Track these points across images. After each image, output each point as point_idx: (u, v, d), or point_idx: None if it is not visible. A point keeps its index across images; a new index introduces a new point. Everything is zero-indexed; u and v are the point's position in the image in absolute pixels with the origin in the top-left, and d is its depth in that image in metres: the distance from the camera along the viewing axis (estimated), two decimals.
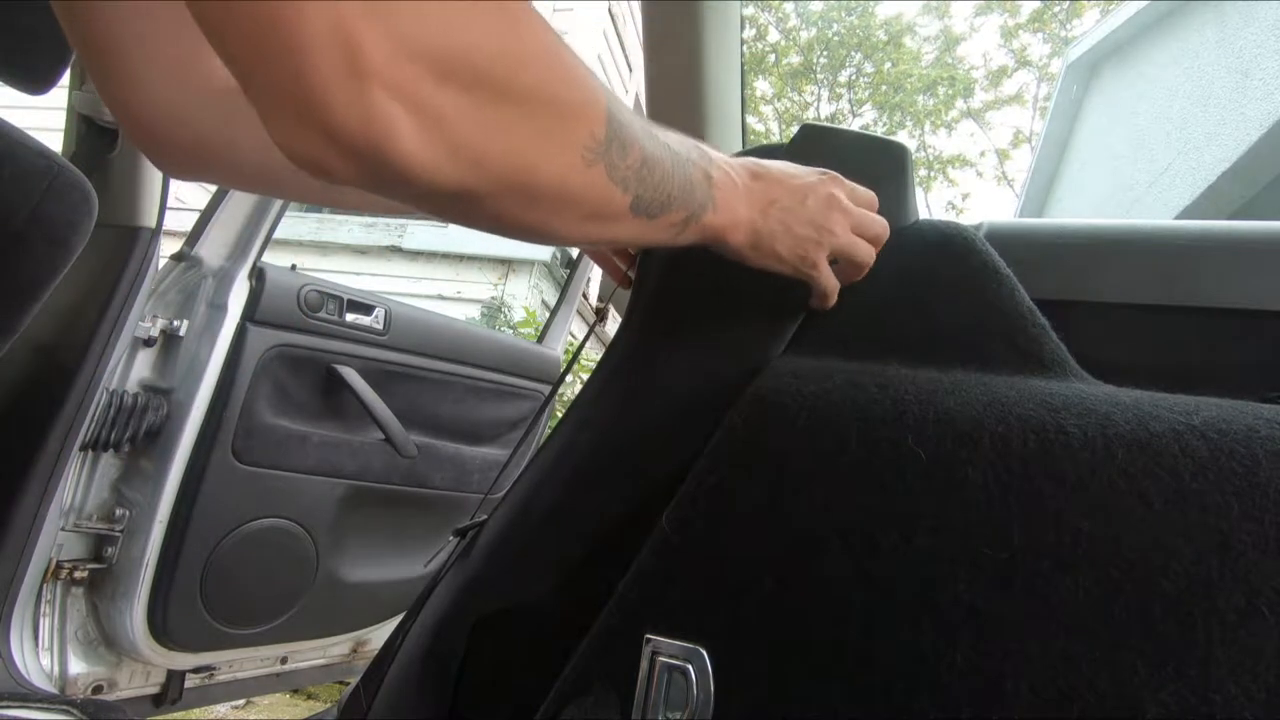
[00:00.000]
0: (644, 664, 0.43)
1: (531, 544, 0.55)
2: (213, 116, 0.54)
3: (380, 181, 0.30)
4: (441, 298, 4.48)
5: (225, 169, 0.60)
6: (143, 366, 1.18)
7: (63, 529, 1.09)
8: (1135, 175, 5.06)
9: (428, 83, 0.28)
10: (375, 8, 0.27)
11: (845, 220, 0.50)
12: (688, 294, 0.56)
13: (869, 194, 0.53)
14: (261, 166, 0.57)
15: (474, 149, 0.31)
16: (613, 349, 0.59)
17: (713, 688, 0.41)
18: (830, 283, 0.51)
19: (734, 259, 0.49)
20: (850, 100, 12.94)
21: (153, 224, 1.13)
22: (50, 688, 1.04)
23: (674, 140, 0.44)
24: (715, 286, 0.55)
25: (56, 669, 1.09)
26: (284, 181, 0.60)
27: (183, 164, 0.58)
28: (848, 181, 0.52)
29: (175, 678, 1.24)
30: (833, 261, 0.51)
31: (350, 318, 1.33)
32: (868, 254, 0.51)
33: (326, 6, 0.26)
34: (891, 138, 0.58)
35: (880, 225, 0.52)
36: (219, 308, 1.19)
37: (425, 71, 0.28)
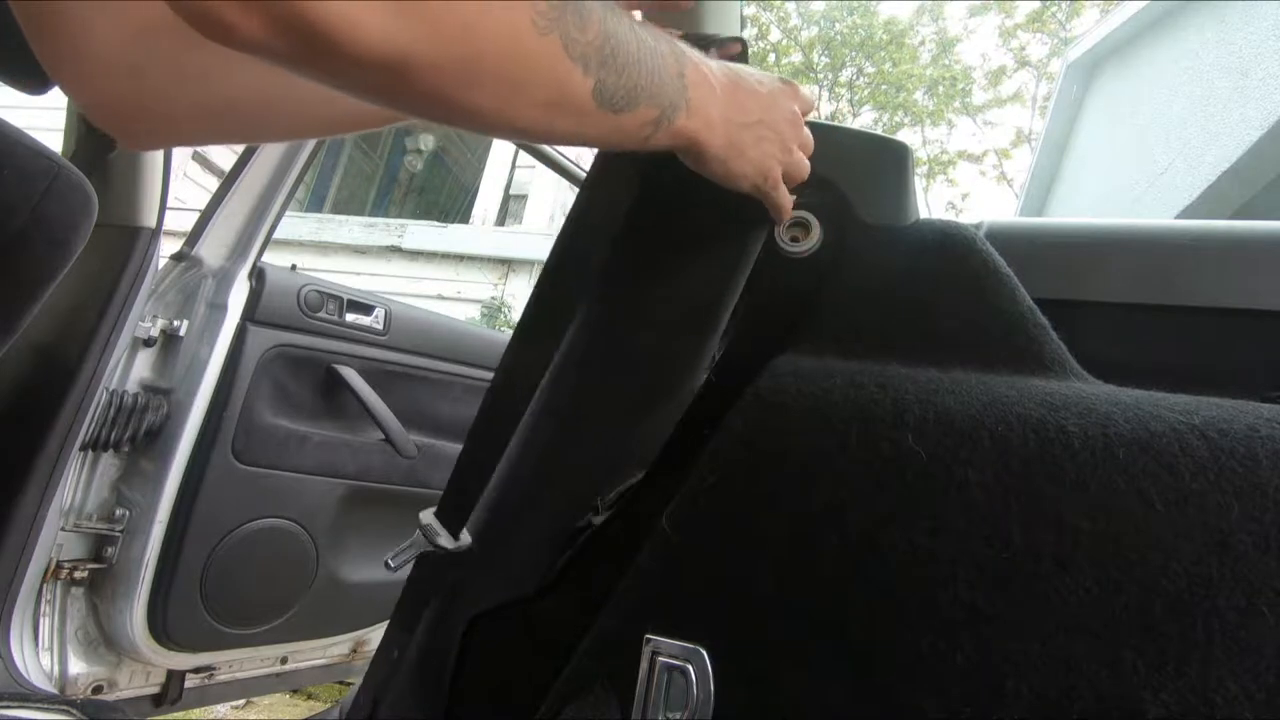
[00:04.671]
0: (644, 664, 0.43)
1: (508, 535, 0.55)
2: (160, 56, 0.49)
3: (293, 45, 0.26)
4: (441, 298, 4.48)
5: (187, 120, 0.54)
6: (143, 366, 1.18)
7: (63, 529, 1.09)
8: (1135, 175, 5.05)
9: None
10: None
11: (798, 136, 0.50)
12: (638, 266, 0.56)
13: (809, 100, 0.52)
14: (230, 102, 0.52)
15: (406, 9, 0.27)
16: (574, 329, 0.59)
17: (713, 688, 0.41)
18: (787, 200, 0.51)
19: (702, 172, 0.46)
20: (850, 100, 12.94)
21: (153, 224, 1.13)
22: (50, 688, 1.04)
23: (644, 26, 0.39)
24: (662, 263, 0.55)
25: (56, 669, 1.09)
26: (257, 117, 0.55)
27: (141, 124, 0.52)
28: (799, 90, 0.50)
29: (175, 678, 1.24)
30: None
31: (350, 318, 1.33)
32: (806, 169, 0.51)
33: None
34: (892, 136, 0.58)
35: (809, 136, 0.52)
36: (219, 308, 1.19)
37: None
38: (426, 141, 7.03)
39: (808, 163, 0.51)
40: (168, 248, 1.20)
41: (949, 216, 0.56)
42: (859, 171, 0.54)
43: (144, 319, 1.15)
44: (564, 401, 0.55)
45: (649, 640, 0.43)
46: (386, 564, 0.56)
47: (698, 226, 0.53)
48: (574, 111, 0.35)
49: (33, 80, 0.75)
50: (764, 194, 0.49)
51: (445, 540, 0.53)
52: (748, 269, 0.55)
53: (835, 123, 0.60)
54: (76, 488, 1.12)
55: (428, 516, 0.56)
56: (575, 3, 0.32)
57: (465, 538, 0.55)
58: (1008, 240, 0.53)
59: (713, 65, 0.45)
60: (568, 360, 0.57)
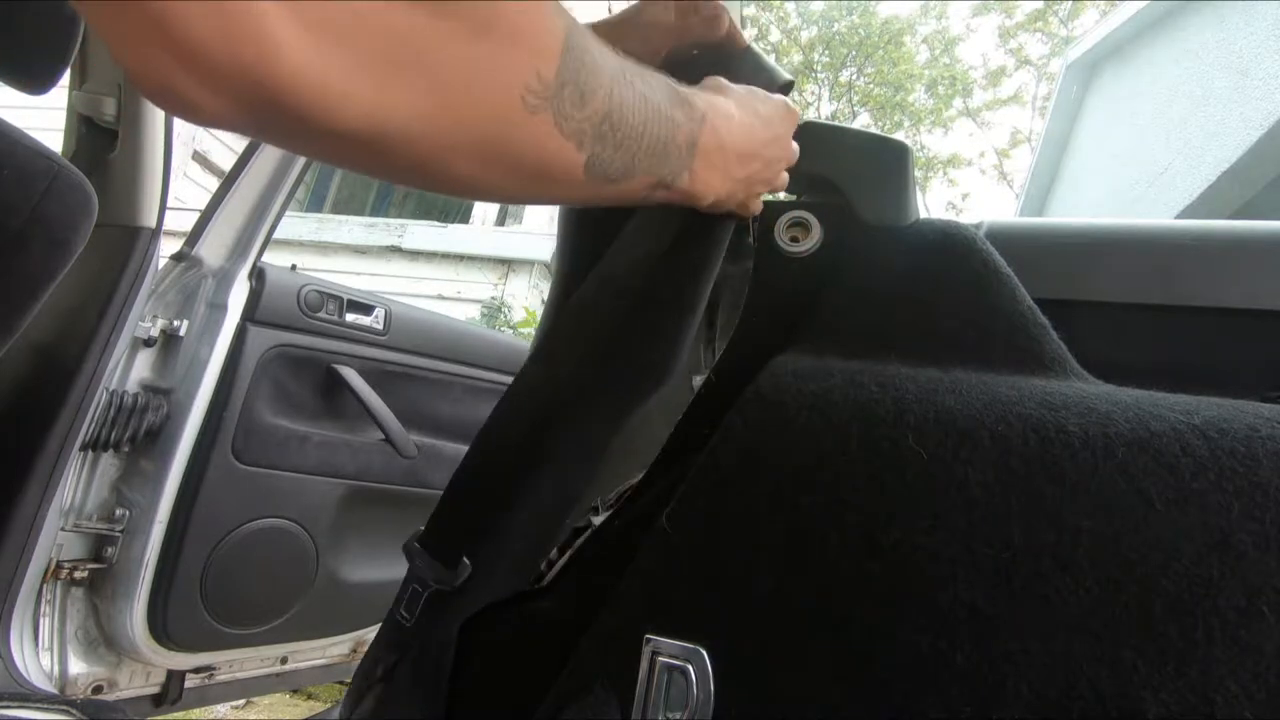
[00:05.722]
0: (644, 664, 0.43)
1: (490, 533, 0.55)
2: None
3: (261, 119, 0.23)
4: (441, 298, 4.48)
5: None
6: (143, 366, 1.18)
7: (63, 529, 1.09)
8: (1135, 175, 5.05)
9: None
10: None
11: (787, 164, 0.51)
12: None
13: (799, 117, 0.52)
14: None
15: (379, 71, 0.24)
16: (544, 318, 0.59)
17: (713, 688, 0.41)
18: (757, 206, 0.52)
19: None
20: (851, 99, 12.94)
21: (153, 224, 1.13)
22: (50, 688, 1.04)
23: (661, 90, 0.37)
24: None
25: (56, 669, 1.09)
26: None
27: None
28: (796, 113, 0.51)
29: (175, 678, 1.24)
30: None
31: (350, 318, 1.33)
32: (784, 181, 0.52)
33: None
34: (892, 136, 0.58)
35: (794, 150, 0.52)
36: (219, 308, 1.19)
37: None
38: None
39: (786, 176, 0.52)
40: (168, 248, 1.20)
41: (949, 216, 0.56)
42: (859, 171, 0.54)
43: (144, 319, 1.15)
44: (544, 388, 0.55)
45: (649, 640, 0.43)
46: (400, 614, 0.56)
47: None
48: (563, 184, 0.34)
49: (33, 80, 0.75)
50: (738, 215, 0.51)
51: (442, 576, 0.53)
52: (724, 237, 0.56)
53: (836, 122, 0.60)
54: (76, 488, 1.12)
55: (416, 552, 0.54)
56: (580, 77, 0.30)
57: (465, 566, 0.54)
58: (1008, 240, 0.53)
59: (734, 115, 0.44)
60: (541, 344, 0.57)
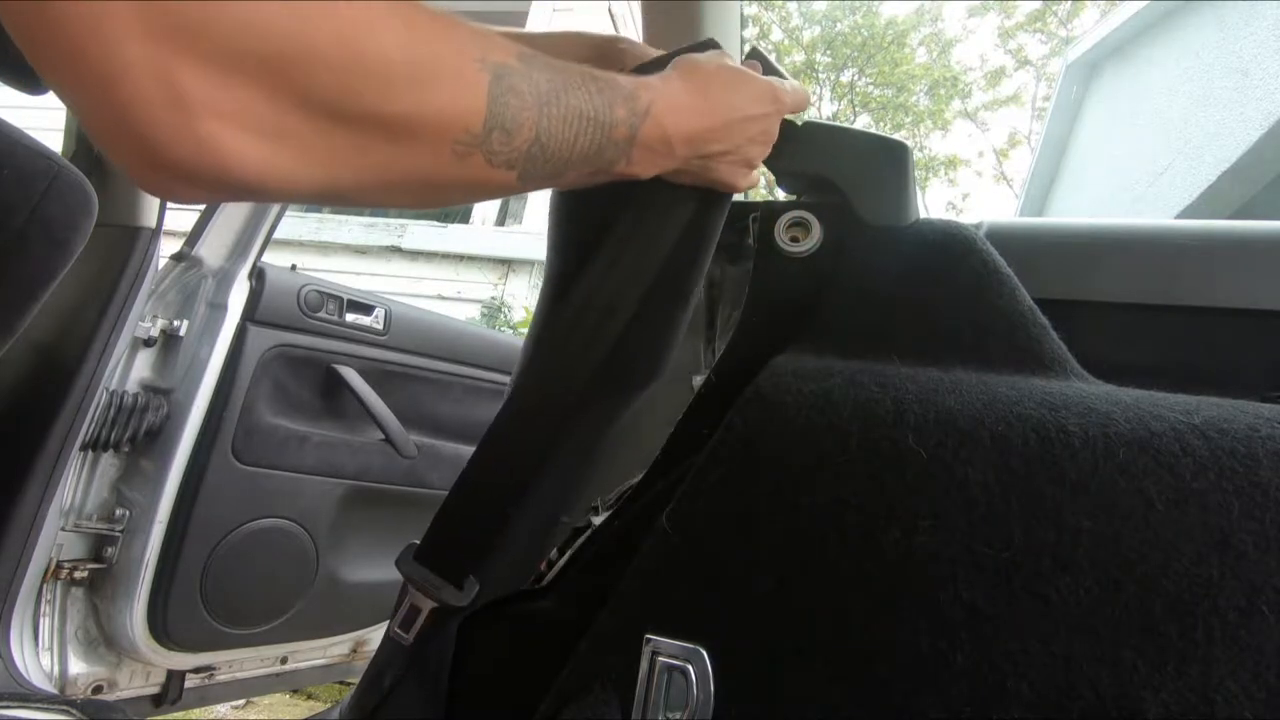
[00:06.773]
0: (644, 664, 0.43)
1: (484, 529, 0.54)
2: None
3: (235, 196, 0.29)
4: (441, 298, 4.48)
5: None
6: (143, 366, 1.18)
7: (63, 529, 1.09)
8: (1135, 175, 5.05)
9: (259, 101, 0.26)
10: (190, 22, 0.23)
11: (768, 146, 0.50)
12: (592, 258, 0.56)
13: (798, 103, 0.51)
14: None
15: (323, 161, 0.29)
16: (536, 316, 0.59)
17: (713, 688, 0.41)
18: (740, 188, 0.52)
19: None
20: (851, 100, 12.94)
21: (153, 224, 1.13)
22: (50, 688, 1.04)
23: (601, 94, 0.39)
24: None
25: (56, 669, 1.09)
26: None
27: None
28: (785, 98, 0.50)
29: (175, 678, 1.24)
30: None
31: (350, 318, 1.33)
32: (761, 158, 0.52)
33: (134, 27, 0.22)
34: (892, 136, 0.58)
35: (776, 130, 0.52)
36: (219, 307, 1.19)
37: (255, 90, 0.26)
38: None
39: (764, 151, 0.51)
40: (168, 248, 1.20)
41: (949, 216, 0.56)
42: (859, 171, 0.54)
43: (144, 319, 1.15)
44: (540, 389, 0.55)
45: (649, 640, 0.43)
46: (399, 634, 0.53)
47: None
48: (500, 192, 0.38)
49: (33, 80, 0.75)
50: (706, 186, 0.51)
51: (451, 595, 0.51)
52: (715, 228, 0.55)
53: (836, 123, 0.60)
54: (76, 488, 1.12)
55: (415, 570, 0.52)
56: (504, 118, 0.33)
57: (471, 583, 0.52)
58: (1008, 240, 0.53)
59: (685, 103, 0.44)
60: (535, 343, 0.57)
